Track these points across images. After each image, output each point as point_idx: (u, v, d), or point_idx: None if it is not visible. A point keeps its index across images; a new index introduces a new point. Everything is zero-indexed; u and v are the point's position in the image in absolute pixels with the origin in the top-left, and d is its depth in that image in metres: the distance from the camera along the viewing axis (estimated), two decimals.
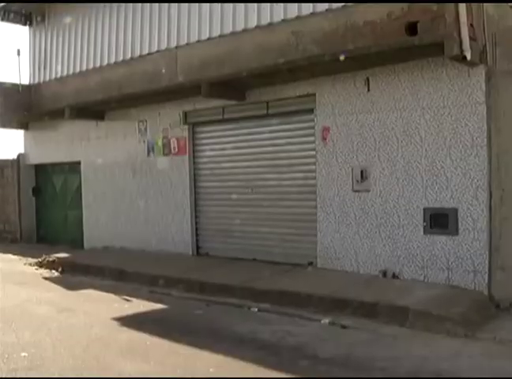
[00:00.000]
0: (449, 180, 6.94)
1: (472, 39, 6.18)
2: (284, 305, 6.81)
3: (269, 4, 8.57)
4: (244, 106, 9.22)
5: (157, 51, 10.27)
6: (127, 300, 7.58)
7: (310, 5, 8.07)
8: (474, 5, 6.35)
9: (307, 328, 6.05)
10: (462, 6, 6.07)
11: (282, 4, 8.41)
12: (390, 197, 7.48)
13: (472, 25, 6.18)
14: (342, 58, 6.91)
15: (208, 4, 9.40)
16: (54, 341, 5.72)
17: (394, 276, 7.42)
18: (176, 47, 9.88)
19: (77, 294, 8.07)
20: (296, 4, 8.24)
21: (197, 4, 9.57)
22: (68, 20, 11.95)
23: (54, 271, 10.02)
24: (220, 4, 9.22)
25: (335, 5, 7.80)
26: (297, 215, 8.73)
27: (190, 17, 9.68)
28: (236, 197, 9.57)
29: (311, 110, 8.35)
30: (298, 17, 8.25)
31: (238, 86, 8.88)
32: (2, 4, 12.59)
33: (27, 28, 13.35)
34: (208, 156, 10.00)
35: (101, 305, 7.32)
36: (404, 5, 6.96)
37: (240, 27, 8.97)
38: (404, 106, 7.31)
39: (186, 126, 10.13)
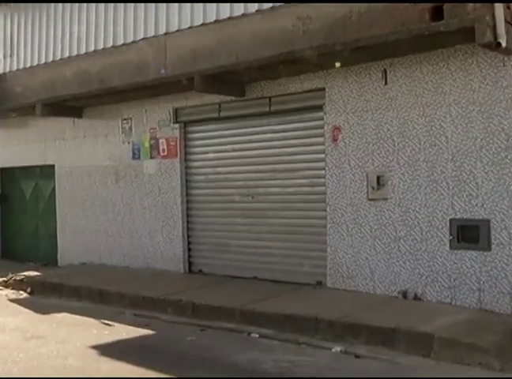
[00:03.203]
0: (479, 187, 6.90)
1: (509, 22, 6.12)
2: (289, 331, 6.77)
3: None
4: (243, 103, 9.20)
5: (143, 39, 10.22)
6: (108, 325, 7.52)
7: None
8: None
9: (316, 358, 6.00)
10: None
11: None
12: (411, 207, 7.45)
13: (508, 7, 6.14)
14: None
15: None
16: (22, 374, 5.64)
17: (416, 298, 7.38)
18: (165, 34, 9.84)
19: (49, 319, 8.00)
20: None
21: None
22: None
23: (22, 292, 9.96)
24: None
25: None
26: (304, 227, 8.71)
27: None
28: (234, 207, 9.55)
29: (320, 107, 8.34)
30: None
31: (236, 79, 8.86)
32: None
33: None
34: (203, 160, 9.97)
35: (77, 332, 7.25)
36: None
37: (239, 11, 8.93)
38: (428, 102, 7.28)
39: (177, 125, 10.10)
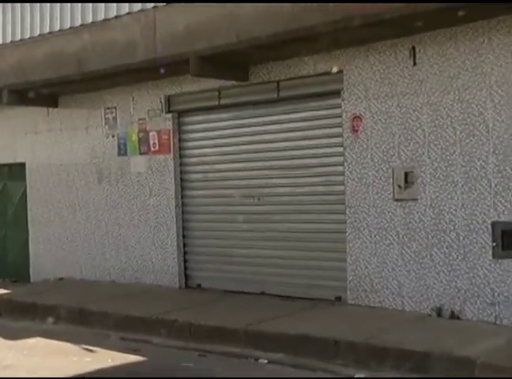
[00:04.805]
0: None
1: None
2: (302, 356, 6.78)
3: None
4: (247, 88, 9.22)
5: (128, 14, 10.20)
6: (90, 351, 7.53)
7: None
8: None
9: None
10: None
11: None
12: (445, 208, 7.44)
13: None
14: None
15: None
16: None
17: (453, 316, 7.38)
18: (154, 8, 9.82)
19: (19, 346, 7.98)
20: None
21: None
22: None
23: None
24: None
25: None
26: (319, 232, 8.72)
27: None
28: (237, 210, 9.57)
29: (337, 93, 8.35)
30: None
31: (238, 61, 8.89)
32: None
33: None
34: (200, 155, 9.99)
35: (53, 360, 7.24)
36: None
37: None
38: (464, 84, 7.26)
39: (170, 115, 10.13)
